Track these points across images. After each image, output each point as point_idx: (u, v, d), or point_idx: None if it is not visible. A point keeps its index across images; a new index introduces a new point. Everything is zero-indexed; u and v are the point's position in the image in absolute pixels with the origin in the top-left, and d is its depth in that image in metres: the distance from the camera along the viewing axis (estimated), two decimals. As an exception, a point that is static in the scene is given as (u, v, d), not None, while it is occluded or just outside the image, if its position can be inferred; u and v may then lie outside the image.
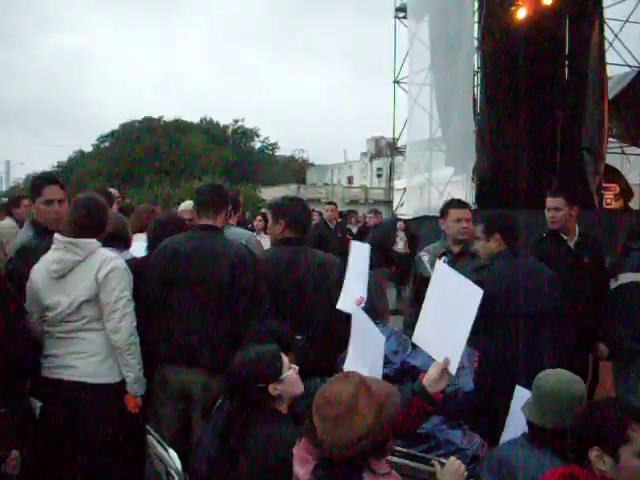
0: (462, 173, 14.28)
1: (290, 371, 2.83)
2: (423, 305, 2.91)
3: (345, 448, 2.17)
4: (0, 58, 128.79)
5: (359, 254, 3.91)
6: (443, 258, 4.52)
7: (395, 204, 18.90)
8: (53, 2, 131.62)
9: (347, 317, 3.42)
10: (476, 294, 2.60)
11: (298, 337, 3.39)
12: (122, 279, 3.60)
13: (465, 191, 14.33)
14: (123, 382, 3.61)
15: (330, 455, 2.20)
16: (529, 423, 2.88)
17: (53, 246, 3.62)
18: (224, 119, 57.94)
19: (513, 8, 11.86)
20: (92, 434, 3.49)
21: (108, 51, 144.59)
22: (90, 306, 3.56)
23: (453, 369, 2.63)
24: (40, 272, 3.62)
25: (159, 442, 2.98)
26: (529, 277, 4.03)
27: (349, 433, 2.16)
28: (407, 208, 17.43)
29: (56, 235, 3.65)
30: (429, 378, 2.62)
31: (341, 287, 3.83)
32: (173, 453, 2.84)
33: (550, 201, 5.02)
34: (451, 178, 15.28)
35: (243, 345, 3.12)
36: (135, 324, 3.61)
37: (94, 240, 3.62)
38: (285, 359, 2.86)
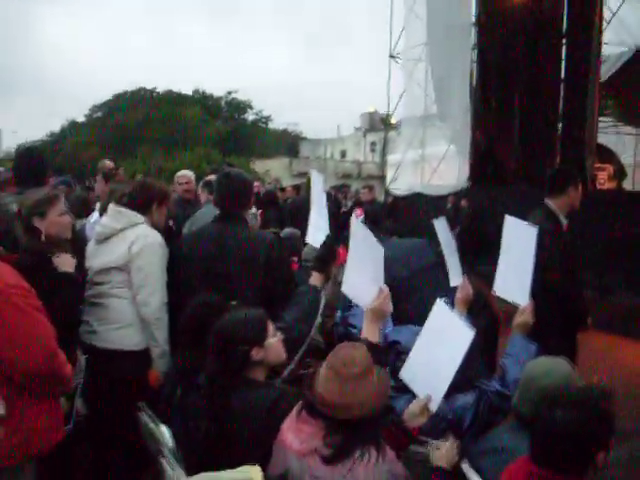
0: (461, 150, 14.20)
1: (274, 338, 2.79)
2: (416, 342, 2.93)
3: (366, 406, 2.29)
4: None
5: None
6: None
7: (388, 179, 18.82)
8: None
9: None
10: (466, 336, 2.60)
11: (233, 303, 3.16)
12: (154, 256, 3.63)
13: (458, 167, 14.29)
14: (141, 352, 3.62)
15: (350, 416, 2.28)
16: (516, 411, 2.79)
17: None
18: (217, 91, 56.75)
19: (512, -16, 11.74)
20: (107, 398, 3.52)
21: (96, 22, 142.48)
22: (117, 273, 3.63)
23: (434, 407, 2.71)
24: (93, 236, 3.83)
25: (150, 418, 2.94)
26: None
27: (369, 390, 2.31)
28: (400, 183, 17.39)
29: (110, 204, 3.82)
30: (409, 412, 2.70)
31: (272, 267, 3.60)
32: (164, 428, 2.79)
33: None
34: (445, 154, 15.22)
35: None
36: (166, 300, 3.63)
37: (140, 215, 3.70)
38: (271, 326, 2.81)
